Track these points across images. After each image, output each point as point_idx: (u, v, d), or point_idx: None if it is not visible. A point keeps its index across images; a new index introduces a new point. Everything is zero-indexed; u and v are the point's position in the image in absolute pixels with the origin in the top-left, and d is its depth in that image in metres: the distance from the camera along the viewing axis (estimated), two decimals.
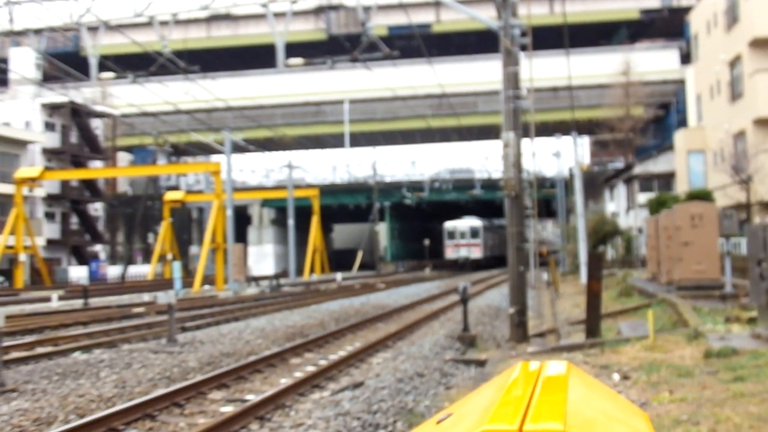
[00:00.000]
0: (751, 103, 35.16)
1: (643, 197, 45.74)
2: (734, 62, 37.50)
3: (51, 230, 57.19)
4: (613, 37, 72.19)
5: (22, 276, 45.93)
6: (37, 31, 68.58)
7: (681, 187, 42.60)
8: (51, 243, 56.15)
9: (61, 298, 31.75)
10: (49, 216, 57.92)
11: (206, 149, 62.29)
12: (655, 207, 35.14)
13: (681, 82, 59.47)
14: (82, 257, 60.46)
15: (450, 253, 67.21)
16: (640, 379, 9.59)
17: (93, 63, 65.96)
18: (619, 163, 60.78)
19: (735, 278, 19.42)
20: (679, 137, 45.62)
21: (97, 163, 63.69)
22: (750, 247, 12.91)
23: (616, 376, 10.00)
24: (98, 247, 65.54)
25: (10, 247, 44.52)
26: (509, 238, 16.61)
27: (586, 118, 61.11)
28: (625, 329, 15.16)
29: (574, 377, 1.75)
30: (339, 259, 75.12)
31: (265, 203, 68.76)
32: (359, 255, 68.15)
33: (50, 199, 57.24)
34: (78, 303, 29.34)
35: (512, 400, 1.48)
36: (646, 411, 7.81)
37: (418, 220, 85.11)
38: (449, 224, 67.77)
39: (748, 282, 12.84)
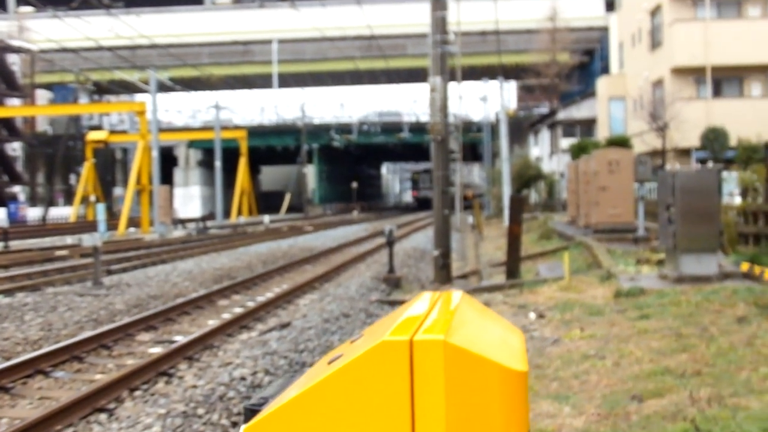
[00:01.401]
0: (669, 52, 36.11)
1: (565, 142, 46.73)
2: (655, 11, 38.31)
3: None
4: None
5: None
6: None
7: (602, 133, 43.66)
8: None
9: None
10: None
11: (130, 88, 60.83)
12: (577, 152, 36.02)
13: (605, 30, 60.39)
14: (0, 199, 58.81)
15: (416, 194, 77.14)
16: (554, 318, 10.10)
17: None
18: (544, 109, 61.72)
19: (648, 222, 20.24)
20: (601, 84, 46.58)
21: (14, 101, 61.54)
22: (660, 192, 13.53)
23: (532, 315, 10.49)
24: (17, 189, 63.70)
25: None
26: (434, 182, 16.98)
27: (514, 63, 61.64)
28: (543, 271, 15.78)
29: (465, 303, 2.10)
30: (267, 202, 74.84)
31: (192, 144, 67.77)
32: (287, 197, 68.05)
33: None
34: None
35: (411, 320, 1.83)
36: (558, 347, 8.32)
37: (346, 163, 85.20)
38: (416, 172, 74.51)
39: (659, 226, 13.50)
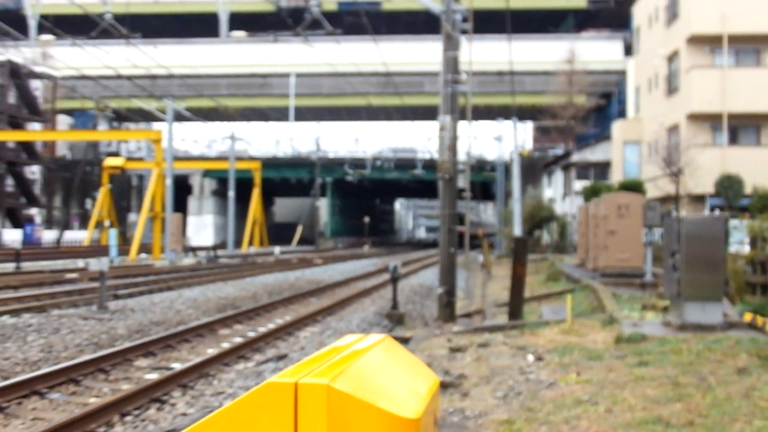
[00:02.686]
0: (685, 98, 36.15)
1: (579, 185, 46.65)
2: (672, 57, 38.44)
3: None
4: (561, 24, 73.07)
5: None
6: None
7: (616, 177, 43.59)
8: None
9: None
10: None
11: (148, 116, 61.45)
12: (589, 195, 35.94)
13: (623, 73, 60.59)
14: (17, 220, 59.27)
15: None
16: (552, 361, 10.02)
17: (32, 24, 64.44)
18: (559, 150, 61.79)
19: (657, 268, 20.13)
20: (617, 128, 46.61)
21: (35, 125, 62.32)
22: (665, 238, 13.49)
23: (530, 357, 10.41)
24: (34, 211, 64.27)
25: None
26: (442, 220, 17.00)
27: (530, 104, 61.88)
28: (546, 313, 15.70)
29: (383, 347, 2.09)
30: (279, 233, 75.01)
31: (207, 174, 68.24)
32: (299, 229, 68.21)
33: None
34: (10, 266, 28.93)
35: (314, 360, 1.82)
36: (553, 390, 8.25)
37: (359, 198, 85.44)
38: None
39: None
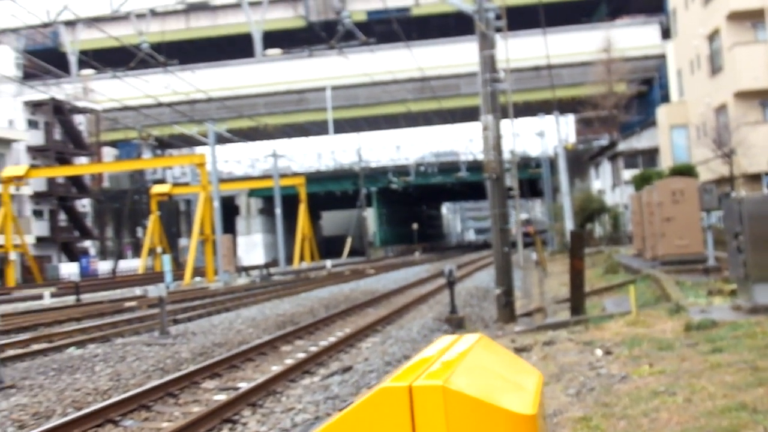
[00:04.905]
0: (731, 77, 35.42)
1: (628, 174, 46.01)
2: (713, 36, 37.73)
3: (40, 228, 57.10)
4: (594, 14, 72.31)
5: (13, 275, 45.92)
6: (15, 30, 68.14)
7: (665, 163, 42.90)
8: (40, 240, 56.09)
9: (53, 295, 31.87)
10: (37, 214, 57.81)
11: (190, 141, 62.24)
12: (640, 183, 35.41)
13: (662, 57, 59.70)
14: (72, 254, 60.42)
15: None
16: (621, 354, 9.83)
17: (72, 60, 65.80)
18: (603, 141, 61.06)
19: (718, 251, 19.71)
20: (662, 112, 45.89)
21: (82, 159, 63.57)
22: (727, 221, 13.18)
23: (598, 352, 10.23)
24: (88, 243, 65.46)
25: (0, 246, 44.49)
26: (493, 220, 16.84)
27: (569, 97, 61.30)
28: (609, 305, 15.44)
29: (481, 346, 2.04)
30: (328, 246, 75.28)
31: (252, 193, 68.81)
32: (348, 241, 68.36)
33: (37, 196, 57.10)
34: (70, 299, 29.45)
35: (418, 364, 1.77)
36: (626, 384, 8.08)
37: (405, 205, 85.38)
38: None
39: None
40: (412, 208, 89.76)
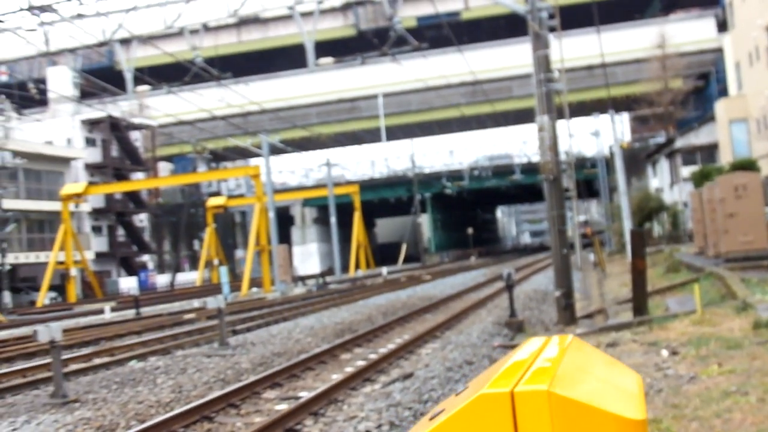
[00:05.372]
0: None
1: (686, 171, 45.11)
2: None
3: (99, 243, 58.27)
4: (647, 10, 71.19)
5: (74, 290, 46.90)
6: (72, 50, 69.77)
7: (725, 158, 41.92)
8: (100, 256, 57.22)
9: (113, 310, 32.40)
10: (96, 230, 59.03)
11: (244, 153, 62.87)
12: (699, 180, 34.66)
13: (719, 51, 58.45)
14: (131, 268, 61.52)
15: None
16: (689, 354, 9.56)
17: (128, 77, 67.10)
18: (660, 138, 59.99)
19: None
20: (720, 107, 44.86)
21: (138, 175, 64.75)
22: None
23: (664, 352, 9.97)
24: (146, 257, 66.61)
25: (61, 263, 45.48)
26: (550, 222, 16.60)
27: (624, 95, 60.42)
28: (673, 305, 15.07)
29: (575, 348, 1.92)
30: (383, 253, 75.35)
31: (307, 203, 69.26)
32: (403, 248, 68.31)
33: (96, 213, 58.31)
34: (130, 313, 29.90)
35: (513, 369, 1.66)
36: (695, 384, 7.83)
37: (460, 209, 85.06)
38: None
39: None
40: (467, 213, 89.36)
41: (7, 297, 39.10)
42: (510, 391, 1.51)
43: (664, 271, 24.59)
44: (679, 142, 48.04)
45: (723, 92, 53.98)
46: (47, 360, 14.96)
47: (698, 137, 47.20)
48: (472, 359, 12.38)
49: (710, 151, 45.98)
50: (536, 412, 1.48)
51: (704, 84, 64.31)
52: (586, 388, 1.59)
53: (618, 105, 57.65)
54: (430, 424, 1.60)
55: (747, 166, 30.62)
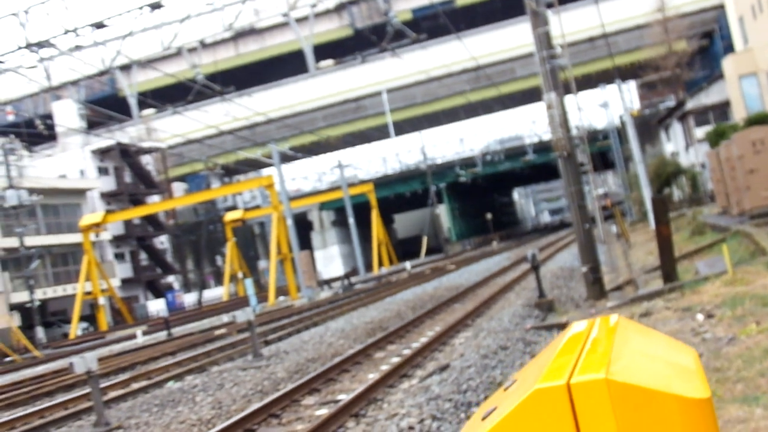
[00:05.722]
0: None
1: (700, 132, 44.72)
2: None
3: (123, 270, 58.60)
4: None
5: (104, 318, 47.21)
6: (74, 82, 70.17)
7: (738, 115, 41.51)
8: (125, 282, 57.55)
9: (145, 333, 32.57)
10: (119, 256, 59.35)
11: (256, 165, 62.99)
12: (715, 139, 34.35)
13: (720, 8, 57.85)
14: (158, 290, 61.82)
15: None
16: (724, 316, 9.46)
17: (132, 102, 67.42)
18: (670, 102, 59.52)
19: None
20: (728, 64, 44.41)
21: (154, 198, 65.01)
22: None
23: (700, 316, 9.87)
24: (171, 278, 66.90)
25: (88, 293, 45.78)
26: (569, 198, 16.49)
27: (629, 63, 60.03)
28: (702, 268, 14.92)
29: (622, 328, 1.85)
30: (405, 248, 75.29)
31: (323, 206, 69.30)
32: (424, 240, 68.22)
33: (117, 240, 58.63)
34: (162, 335, 30.03)
35: (563, 359, 1.60)
36: (735, 346, 7.73)
37: (476, 196, 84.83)
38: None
39: None
40: (484, 199, 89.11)
41: (41, 332, 39.41)
42: (566, 383, 1.44)
43: (689, 234, 24.39)
44: (690, 104, 47.62)
45: (729, 49, 53.44)
46: (86, 390, 15.04)
47: (709, 97, 46.76)
48: (506, 344, 12.31)
49: (722, 109, 45.55)
50: (596, 402, 1.41)
51: (709, 42, 63.71)
52: (644, 370, 1.52)
53: (624, 73, 57.33)
54: (484, 424, 1.55)
55: (762, 120, 30.29)
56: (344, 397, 10.78)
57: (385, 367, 12.88)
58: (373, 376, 12.09)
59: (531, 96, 67.54)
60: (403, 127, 74.49)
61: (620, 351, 1.61)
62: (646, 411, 1.41)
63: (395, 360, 13.46)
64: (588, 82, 58.67)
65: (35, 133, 44.35)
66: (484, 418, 1.61)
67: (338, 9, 72.56)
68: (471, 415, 8.47)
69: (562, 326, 13.42)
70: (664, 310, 11.19)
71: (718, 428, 1.51)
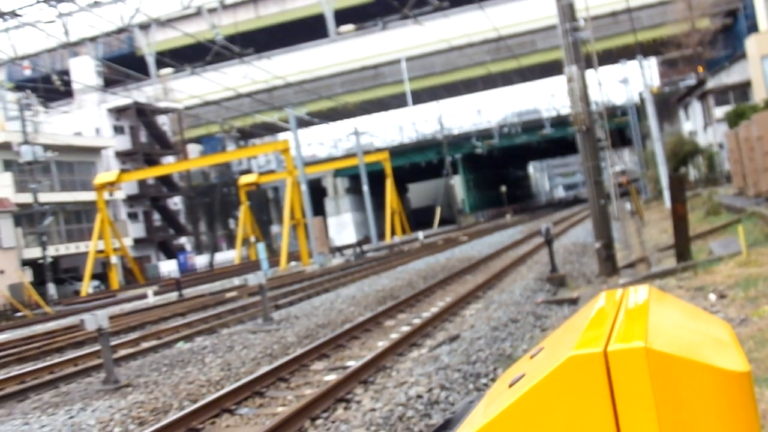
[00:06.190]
0: None
1: (720, 111, 44.27)
2: None
3: (136, 229, 58.87)
4: None
5: (116, 277, 47.54)
6: (92, 39, 70.04)
7: (759, 96, 41.05)
8: (138, 242, 57.84)
9: (156, 293, 32.79)
10: (132, 216, 59.59)
11: (272, 129, 62.97)
12: (734, 120, 34.03)
13: None
14: (170, 251, 62.14)
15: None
16: (737, 296, 9.42)
17: (150, 61, 67.31)
18: (690, 80, 58.87)
19: None
20: (751, 43, 43.82)
21: (169, 158, 65.10)
22: None
23: (712, 296, 9.83)
24: (183, 240, 67.19)
25: (101, 251, 46.06)
26: (585, 173, 16.39)
27: (651, 39, 59.32)
28: (716, 248, 14.83)
29: (656, 299, 1.82)
30: (418, 218, 75.27)
31: (338, 173, 69.24)
32: (437, 211, 68.16)
33: (131, 199, 58.83)
34: (173, 296, 30.22)
35: (596, 327, 1.57)
36: (747, 327, 7.70)
37: (492, 168, 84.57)
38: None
39: None
40: (499, 171, 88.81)
41: (52, 289, 39.72)
42: (603, 350, 1.41)
43: (704, 214, 24.25)
44: (711, 83, 47.09)
45: (752, 28, 52.70)
46: (96, 347, 15.17)
47: (730, 76, 46.21)
48: (517, 317, 12.31)
49: (743, 89, 45.03)
50: (634, 371, 1.38)
51: (732, 21, 62.85)
52: (682, 341, 1.49)
53: (645, 50, 56.63)
54: (512, 391, 1.52)
55: None
56: (353, 364, 10.83)
57: (394, 336, 12.93)
58: (382, 344, 12.13)
59: (551, 69, 66.97)
60: (421, 96, 74.12)
61: (656, 321, 1.59)
62: (685, 382, 1.39)
63: (405, 329, 13.50)
64: (609, 57, 58.09)
65: (52, 89, 44.29)
66: (511, 385, 1.59)
67: None
68: (480, 386, 8.49)
69: (573, 301, 13.40)
70: (676, 289, 11.16)
71: (755, 402, 1.48)
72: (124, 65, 47.32)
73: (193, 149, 75.78)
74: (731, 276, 10.99)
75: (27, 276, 42.02)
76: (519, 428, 1.45)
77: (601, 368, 1.39)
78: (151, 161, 61.29)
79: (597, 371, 1.39)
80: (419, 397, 8.16)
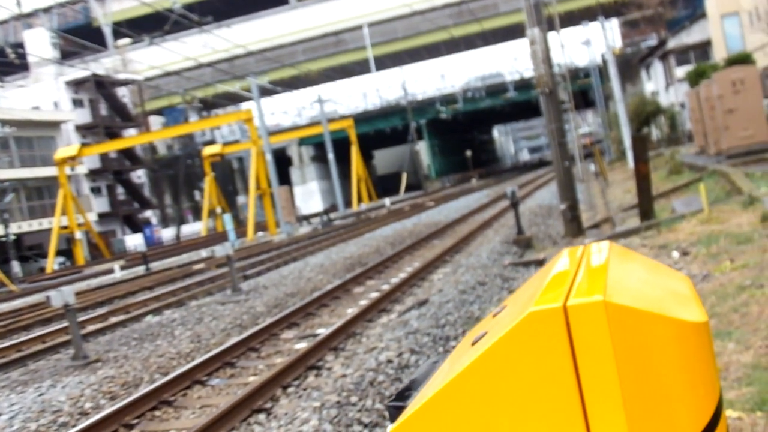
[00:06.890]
0: None
1: (681, 71, 44.65)
2: None
3: (100, 204, 58.22)
4: None
5: (81, 253, 47.04)
6: (46, 10, 68.55)
7: (719, 55, 41.45)
8: (102, 216, 57.22)
9: (123, 268, 32.54)
10: (96, 190, 58.88)
11: (235, 98, 62.33)
12: (695, 79, 34.32)
13: None
14: (135, 225, 61.60)
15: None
16: (699, 253, 9.57)
17: (107, 31, 66.06)
18: (652, 41, 59.22)
19: None
20: (711, 3, 44.12)
21: (130, 131, 64.25)
22: None
23: (675, 254, 9.98)
24: (148, 213, 66.61)
25: (65, 227, 45.52)
26: (549, 136, 16.48)
27: (612, 0, 59.45)
28: (679, 206, 15.04)
29: (616, 254, 1.85)
30: (384, 185, 75.26)
31: (303, 141, 68.86)
32: (404, 177, 68.20)
33: (93, 174, 58.08)
34: (140, 269, 30.02)
35: (557, 283, 1.59)
36: (709, 282, 7.85)
37: (456, 133, 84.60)
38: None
39: None
40: (464, 136, 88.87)
41: (17, 266, 39.25)
42: (562, 305, 1.43)
43: (667, 173, 24.54)
44: (672, 43, 47.43)
45: None
46: (64, 324, 15.06)
47: (690, 36, 46.57)
48: (485, 280, 12.42)
49: (704, 49, 45.42)
50: (593, 325, 1.40)
51: None
52: (641, 295, 1.51)
53: (607, 11, 56.85)
54: (475, 349, 1.54)
55: (743, 60, 30.25)
56: (323, 331, 10.87)
57: (364, 302, 12.99)
58: (352, 311, 12.18)
59: (513, 33, 66.96)
60: (384, 62, 73.76)
61: (615, 275, 1.61)
62: (644, 334, 1.42)
63: (374, 295, 13.57)
64: (571, 19, 58.16)
65: (6, 62, 43.39)
66: (474, 343, 1.61)
67: None
68: (449, 348, 8.58)
69: (539, 262, 13.55)
70: (640, 248, 11.31)
71: (713, 353, 1.52)
72: (80, 36, 46.45)
73: (155, 121, 74.81)
74: (693, 233, 11.16)
75: None
76: (482, 384, 1.47)
77: (560, 323, 1.41)
78: (113, 134, 60.42)
79: (557, 326, 1.42)
80: (389, 361, 8.23)
